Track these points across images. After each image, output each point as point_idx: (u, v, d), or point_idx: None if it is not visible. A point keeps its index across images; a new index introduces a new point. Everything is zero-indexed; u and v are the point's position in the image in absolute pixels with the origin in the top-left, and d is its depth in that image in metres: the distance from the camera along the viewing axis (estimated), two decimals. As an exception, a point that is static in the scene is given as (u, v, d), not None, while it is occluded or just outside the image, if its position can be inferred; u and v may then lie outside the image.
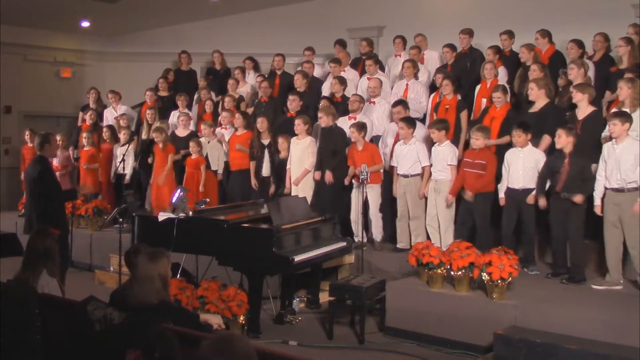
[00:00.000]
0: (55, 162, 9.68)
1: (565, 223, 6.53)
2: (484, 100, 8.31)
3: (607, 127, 6.73)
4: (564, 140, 6.54)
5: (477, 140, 7.20)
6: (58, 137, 10.34)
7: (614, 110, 6.61)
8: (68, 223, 7.21)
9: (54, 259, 4.46)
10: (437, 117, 8.31)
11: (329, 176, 8.17)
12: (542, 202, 6.71)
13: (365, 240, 7.86)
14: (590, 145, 6.79)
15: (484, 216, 7.17)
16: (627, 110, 6.50)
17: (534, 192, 6.82)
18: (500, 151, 7.45)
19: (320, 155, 8.35)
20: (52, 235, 4.53)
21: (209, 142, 9.63)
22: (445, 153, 7.50)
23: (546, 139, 7.17)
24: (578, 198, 6.38)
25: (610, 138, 6.43)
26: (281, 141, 8.67)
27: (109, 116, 11.30)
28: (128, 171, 10.01)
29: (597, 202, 6.35)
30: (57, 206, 6.93)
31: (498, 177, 7.18)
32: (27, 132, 11.19)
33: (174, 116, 10.59)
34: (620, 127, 6.14)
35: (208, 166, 9.52)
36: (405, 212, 7.85)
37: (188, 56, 11.72)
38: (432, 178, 7.63)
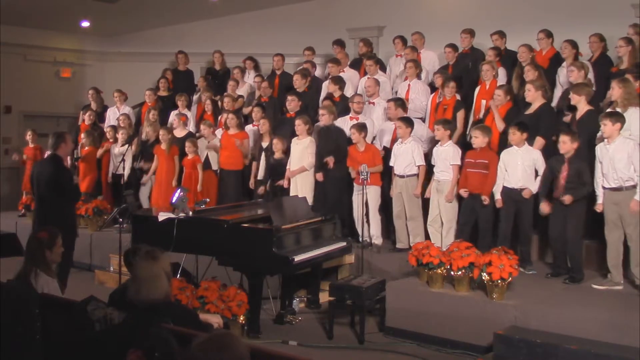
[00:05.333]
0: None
1: (564, 223, 6.52)
2: (484, 102, 8.31)
3: (602, 127, 6.75)
4: (569, 147, 6.50)
5: (477, 139, 7.19)
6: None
7: (606, 110, 6.61)
8: (77, 226, 7.13)
9: (38, 260, 4.46)
10: (437, 117, 8.31)
11: (331, 160, 8.09)
12: (546, 208, 6.66)
13: (368, 240, 7.87)
14: (584, 145, 6.79)
15: (487, 216, 7.16)
16: (620, 110, 6.50)
17: (530, 188, 6.81)
18: (501, 151, 7.42)
19: (320, 155, 8.31)
20: (37, 239, 4.54)
21: (209, 142, 9.62)
22: (448, 153, 7.48)
23: (539, 141, 7.17)
24: (566, 198, 6.39)
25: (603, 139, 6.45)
26: (276, 142, 8.65)
27: (112, 116, 11.25)
28: (126, 171, 10.00)
29: (600, 200, 6.34)
30: (71, 207, 6.88)
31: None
32: (29, 133, 11.19)
33: (173, 116, 10.57)
34: (611, 127, 6.17)
35: (208, 166, 9.52)
36: (402, 212, 7.84)
37: (185, 56, 11.71)
38: (434, 178, 7.62)
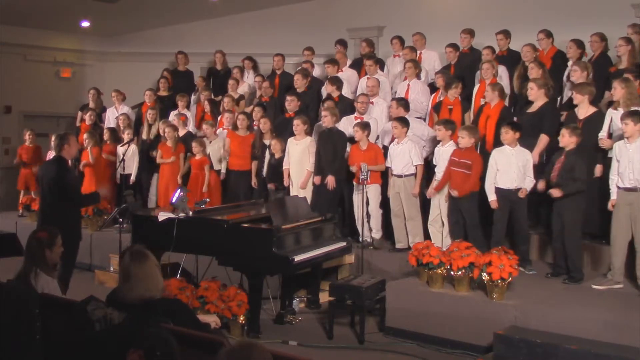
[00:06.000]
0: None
1: (561, 222, 6.52)
2: (483, 100, 8.30)
3: (604, 127, 6.75)
4: (567, 140, 6.52)
5: (463, 139, 7.17)
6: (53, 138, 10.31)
7: (627, 110, 6.54)
8: (81, 228, 7.05)
9: (38, 260, 4.46)
10: (438, 117, 8.30)
11: (331, 181, 8.09)
12: (541, 185, 6.69)
13: (368, 239, 7.86)
14: (590, 145, 6.79)
15: (472, 215, 7.14)
16: (622, 109, 6.48)
17: (525, 187, 6.82)
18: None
19: (319, 158, 8.27)
20: (37, 238, 4.53)
21: (210, 142, 9.62)
22: (449, 153, 7.44)
23: (543, 139, 7.17)
24: (554, 191, 6.40)
25: (608, 137, 6.40)
26: (274, 143, 8.64)
27: (111, 116, 11.23)
28: (133, 171, 9.98)
29: (613, 196, 6.27)
30: (74, 209, 6.85)
31: (482, 177, 7.11)
32: (27, 132, 11.19)
33: (173, 116, 10.56)
34: (633, 127, 6.08)
35: (211, 166, 9.52)
36: (400, 211, 7.82)
37: (185, 57, 11.70)
38: (435, 178, 7.60)
